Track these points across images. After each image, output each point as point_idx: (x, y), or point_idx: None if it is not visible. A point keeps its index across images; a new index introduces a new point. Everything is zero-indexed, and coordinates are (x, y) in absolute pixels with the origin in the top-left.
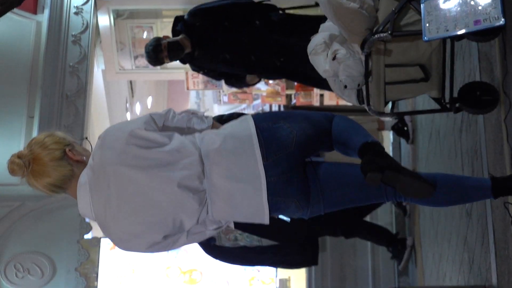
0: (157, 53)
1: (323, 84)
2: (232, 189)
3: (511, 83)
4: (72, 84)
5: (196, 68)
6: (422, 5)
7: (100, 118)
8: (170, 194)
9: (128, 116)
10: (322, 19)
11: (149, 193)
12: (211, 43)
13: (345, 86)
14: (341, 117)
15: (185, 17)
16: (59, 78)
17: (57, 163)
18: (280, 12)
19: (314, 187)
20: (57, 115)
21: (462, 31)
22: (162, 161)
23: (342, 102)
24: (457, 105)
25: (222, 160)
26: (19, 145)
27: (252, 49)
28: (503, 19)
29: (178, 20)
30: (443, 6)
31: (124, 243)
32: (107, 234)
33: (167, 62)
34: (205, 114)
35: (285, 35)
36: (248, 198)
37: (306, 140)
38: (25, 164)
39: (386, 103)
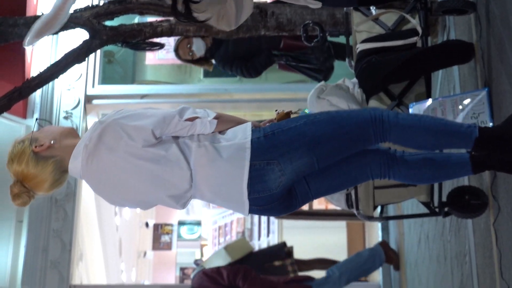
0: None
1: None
2: (215, 200)
3: (500, 187)
4: (62, 187)
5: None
6: (410, 110)
7: (89, 222)
8: (157, 198)
9: (117, 220)
10: None
11: (136, 190)
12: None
13: None
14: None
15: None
16: None
17: (39, 165)
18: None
19: (299, 191)
20: (46, 219)
21: None
22: (153, 172)
23: (331, 207)
24: (446, 209)
25: (210, 176)
26: (7, 250)
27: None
28: (491, 124)
29: None
30: (431, 112)
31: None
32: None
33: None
34: (210, 115)
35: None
36: (231, 207)
37: (296, 179)
38: (23, 190)
39: (375, 208)
